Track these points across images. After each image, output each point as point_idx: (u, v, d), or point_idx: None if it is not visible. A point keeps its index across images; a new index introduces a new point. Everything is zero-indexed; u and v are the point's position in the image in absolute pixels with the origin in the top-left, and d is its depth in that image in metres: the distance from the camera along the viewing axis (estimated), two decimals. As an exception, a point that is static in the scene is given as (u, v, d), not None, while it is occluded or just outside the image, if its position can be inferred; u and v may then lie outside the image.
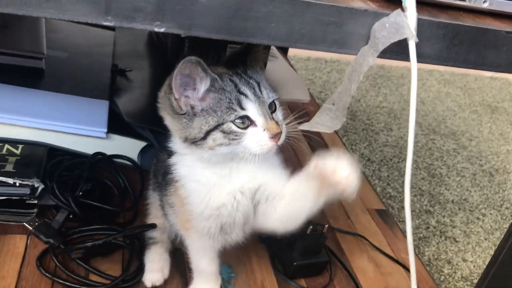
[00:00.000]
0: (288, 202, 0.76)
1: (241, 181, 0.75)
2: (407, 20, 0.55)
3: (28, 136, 1.03)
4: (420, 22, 0.56)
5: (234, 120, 0.68)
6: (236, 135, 0.69)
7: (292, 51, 2.56)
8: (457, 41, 0.59)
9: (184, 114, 0.70)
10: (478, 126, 2.35)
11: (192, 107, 0.70)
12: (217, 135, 0.69)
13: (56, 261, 0.89)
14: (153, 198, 0.98)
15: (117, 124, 1.09)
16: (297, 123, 0.73)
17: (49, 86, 1.11)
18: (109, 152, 1.08)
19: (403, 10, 0.55)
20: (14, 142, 1.02)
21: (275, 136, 0.69)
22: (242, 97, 0.69)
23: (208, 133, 0.69)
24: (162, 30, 0.51)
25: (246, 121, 0.69)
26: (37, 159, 1.00)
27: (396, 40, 0.55)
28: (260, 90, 0.71)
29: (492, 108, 2.57)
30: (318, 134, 1.52)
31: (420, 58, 0.59)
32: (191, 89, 0.69)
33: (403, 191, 1.79)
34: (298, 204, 0.75)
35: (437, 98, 2.55)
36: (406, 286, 1.03)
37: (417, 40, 0.56)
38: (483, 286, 0.85)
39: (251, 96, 0.70)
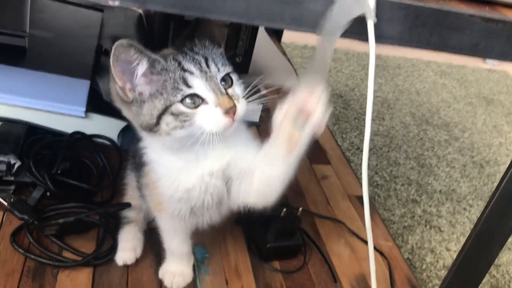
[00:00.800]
0: (262, 171, 0.74)
1: (208, 163, 0.74)
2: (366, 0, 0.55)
3: (7, 113, 1.03)
4: (380, 2, 0.56)
5: (182, 100, 0.66)
6: (187, 116, 0.66)
7: (288, 38, 2.55)
8: (419, 23, 0.58)
9: (133, 101, 0.68)
10: (472, 118, 2.34)
11: (140, 93, 0.67)
12: (168, 119, 0.66)
13: (30, 237, 0.89)
14: (130, 178, 0.98)
15: (98, 104, 1.09)
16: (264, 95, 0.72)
17: (31, 64, 1.10)
18: (89, 131, 1.09)
19: (362, -11, 0.55)
20: (-8, 119, 1.02)
21: (229, 111, 0.67)
22: (186, 74, 0.67)
23: (159, 117, 0.67)
24: (116, 3, 0.51)
25: (197, 100, 0.67)
26: (15, 137, 1.00)
27: (352, 17, 0.54)
28: (207, 64, 0.68)
29: (488, 100, 2.55)
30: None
31: (381, 39, 0.58)
32: (132, 74, 0.66)
33: (390, 180, 1.79)
34: (271, 170, 0.72)
35: (432, 89, 2.53)
36: (381, 272, 1.03)
37: (376, 20, 0.56)
38: (451, 273, 0.86)
39: (197, 72, 0.67)
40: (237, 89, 0.71)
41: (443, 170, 1.89)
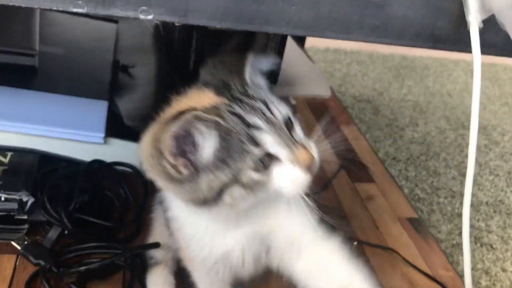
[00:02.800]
0: (306, 260, 0.62)
1: (248, 224, 0.62)
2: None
3: (17, 142, 0.93)
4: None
5: (254, 164, 0.52)
6: (260, 184, 0.53)
7: (309, 42, 2.43)
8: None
9: (186, 179, 0.53)
10: (510, 119, 2.20)
11: (195, 165, 0.53)
12: (235, 190, 0.53)
13: (47, 285, 0.78)
14: (157, 213, 0.86)
15: (117, 127, 0.98)
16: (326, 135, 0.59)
17: (42, 86, 1.01)
18: (108, 159, 0.98)
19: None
20: (1, 150, 0.91)
21: (309, 166, 0.53)
22: (253, 131, 0.52)
23: (222, 190, 0.53)
24: (150, 17, 0.39)
25: (267, 160, 0.53)
26: (27, 169, 0.90)
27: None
28: (270, 110, 0.54)
29: (524, 100, 2.41)
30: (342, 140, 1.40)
31: (483, 48, 0.46)
32: (190, 149, 0.53)
33: (432, 193, 1.65)
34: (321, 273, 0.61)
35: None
36: (446, 309, 0.91)
37: (482, 25, 0.43)
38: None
39: (264, 125, 0.53)
40: (298, 130, 0.57)
41: (487, 178, 1.75)
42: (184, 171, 0.52)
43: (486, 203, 1.63)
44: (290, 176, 0.53)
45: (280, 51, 1.30)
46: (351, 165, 1.25)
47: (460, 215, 1.53)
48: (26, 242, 0.83)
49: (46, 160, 0.94)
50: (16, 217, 0.85)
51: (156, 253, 0.84)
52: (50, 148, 0.94)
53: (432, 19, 0.43)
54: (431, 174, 1.72)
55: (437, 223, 1.50)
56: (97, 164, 0.96)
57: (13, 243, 0.83)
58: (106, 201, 0.95)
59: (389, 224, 1.08)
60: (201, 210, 0.56)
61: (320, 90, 1.38)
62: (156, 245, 0.82)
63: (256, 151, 0.52)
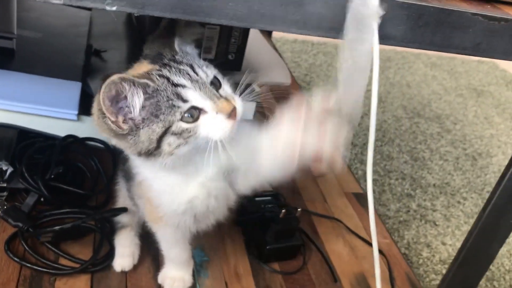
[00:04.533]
0: (267, 155, 0.70)
1: (208, 171, 0.72)
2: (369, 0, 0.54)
3: None
4: (382, 2, 0.55)
5: (181, 117, 0.63)
6: (190, 132, 0.63)
7: (278, 33, 2.53)
8: (422, 23, 0.57)
9: (128, 132, 0.63)
10: (463, 109, 2.34)
11: (133, 120, 0.63)
12: (170, 139, 0.63)
13: (25, 245, 0.88)
14: (121, 185, 0.95)
15: (89, 106, 1.06)
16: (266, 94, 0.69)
17: (20, 67, 1.08)
18: (82, 134, 1.07)
19: (365, -11, 0.54)
20: (-18, 124, 1.00)
21: (231, 114, 0.64)
22: (179, 89, 0.63)
23: (159, 140, 0.63)
24: (114, 8, 0.50)
25: (195, 112, 0.63)
26: (6, 142, 0.99)
27: (362, 19, 0.53)
28: (195, 72, 0.65)
29: (478, 92, 2.56)
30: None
31: (384, 40, 0.58)
32: (124, 104, 0.62)
33: (384, 175, 1.79)
34: (268, 160, 0.69)
35: (423, 81, 2.54)
36: (380, 270, 1.03)
37: (380, 21, 0.55)
38: (453, 268, 0.85)
39: (188, 83, 0.64)
40: (227, 88, 0.68)
41: (437, 163, 1.89)
42: (124, 127, 0.63)
43: (434, 185, 1.77)
44: (214, 123, 0.64)
45: (243, 39, 1.41)
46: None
47: (408, 195, 1.68)
48: (5, 207, 0.93)
49: (24, 134, 1.03)
50: (-4, 184, 0.94)
51: (122, 219, 0.94)
52: (28, 124, 1.02)
53: (342, 16, 0.54)
54: (385, 158, 1.85)
55: (387, 201, 1.63)
56: (71, 139, 1.05)
57: (-7, 207, 0.92)
58: (79, 172, 1.04)
59: (336, 198, 1.20)
60: (151, 162, 0.67)
61: (281, 77, 1.48)
62: (124, 209, 0.91)
63: (182, 105, 0.63)
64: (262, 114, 1.45)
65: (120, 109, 0.62)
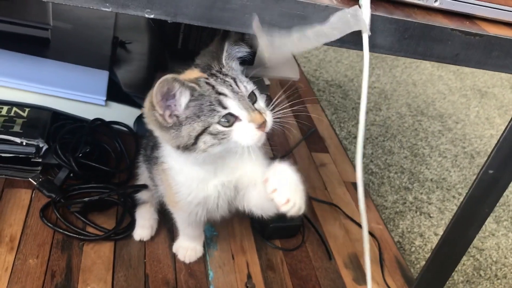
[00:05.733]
0: (259, 192, 0.83)
1: (223, 175, 0.83)
2: (362, 16, 0.64)
3: (34, 100, 1.13)
4: (374, 18, 0.65)
5: (219, 121, 0.73)
6: (224, 134, 0.73)
7: (290, 29, 2.62)
8: (407, 35, 0.68)
9: (172, 126, 0.74)
10: (466, 109, 2.43)
11: (177, 117, 0.74)
12: (206, 138, 0.73)
13: (57, 213, 1.00)
14: (142, 169, 1.06)
15: (115, 93, 1.19)
16: (285, 106, 0.80)
17: (54, 55, 1.20)
18: (107, 118, 1.19)
19: (360, 6, 0.64)
20: (21, 106, 1.11)
21: (261, 125, 0.74)
22: (221, 97, 0.73)
23: (197, 137, 0.73)
24: (152, 16, 0.61)
25: (231, 118, 0.73)
26: (42, 122, 1.10)
27: (350, 31, 0.64)
28: (237, 85, 0.75)
29: (482, 93, 2.65)
30: (307, 117, 1.61)
31: (375, 49, 0.68)
32: (173, 103, 0.73)
33: (384, 168, 1.89)
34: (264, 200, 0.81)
35: (429, 81, 2.62)
36: (371, 252, 1.14)
37: (369, 33, 0.65)
38: (436, 248, 0.96)
39: (230, 94, 0.74)
40: (261, 103, 0.78)
41: (435, 159, 1.99)
42: (169, 120, 0.74)
43: (431, 180, 1.87)
44: (246, 130, 0.74)
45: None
46: (311, 137, 1.48)
47: (406, 188, 1.78)
48: (40, 179, 1.05)
49: (57, 116, 1.14)
50: (33, 159, 1.06)
51: (143, 195, 1.06)
52: (61, 107, 1.14)
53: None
54: (386, 153, 1.96)
55: (385, 193, 1.74)
56: (98, 122, 1.17)
57: (30, 179, 1.04)
58: (105, 152, 1.16)
59: (335, 186, 1.31)
60: (185, 156, 0.77)
61: (290, 72, 1.58)
62: (145, 186, 1.03)
63: (221, 110, 0.73)
64: (282, 132, 1.55)
65: (168, 106, 0.73)
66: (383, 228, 1.23)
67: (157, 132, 0.78)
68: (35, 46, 1.20)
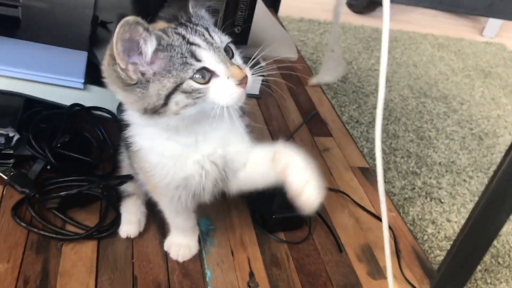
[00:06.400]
0: (250, 172, 0.76)
1: (208, 148, 0.72)
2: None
3: (3, 85, 1.01)
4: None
5: (193, 76, 0.62)
6: (200, 92, 0.63)
7: (284, 11, 2.51)
8: (434, -19, 0.56)
9: (136, 83, 0.63)
10: (470, 90, 2.33)
11: (143, 74, 0.63)
12: (179, 97, 0.63)
13: (31, 210, 0.88)
14: (124, 156, 0.95)
15: (95, 75, 1.06)
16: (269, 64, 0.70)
17: (26, 35, 1.08)
18: (87, 103, 1.07)
19: None
20: (-11, 92, 1.00)
21: (242, 81, 0.64)
22: (194, 47, 0.63)
23: (168, 97, 0.63)
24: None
25: (206, 74, 0.63)
26: (13, 109, 0.99)
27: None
28: (210, 35, 0.65)
29: (486, 73, 2.54)
30: (308, 101, 1.50)
31: (395, -1, 0.57)
32: (136, 54, 0.62)
33: (390, 153, 1.78)
34: (257, 177, 0.76)
35: (430, 62, 2.52)
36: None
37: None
38: (460, 238, 0.85)
39: (204, 44, 0.64)
40: (238, 59, 0.68)
41: (443, 142, 1.89)
42: (133, 76, 0.62)
43: (440, 163, 1.76)
44: (225, 87, 0.64)
45: (250, 13, 1.40)
46: (313, 121, 1.37)
47: (413, 173, 1.67)
48: (12, 173, 0.93)
49: (31, 103, 1.02)
50: (3, 151, 0.94)
51: (128, 187, 0.94)
52: (34, 92, 1.02)
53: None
54: (391, 137, 1.85)
55: (392, 179, 1.63)
56: (77, 108, 1.05)
57: (0, 173, 0.93)
58: (85, 141, 1.04)
59: (341, 172, 1.20)
60: (154, 122, 0.66)
61: (287, 52, 1.47)
62: (129, 177, 0.92)
63: (195, 63, 0.62)
64: (269, 89, 1.44)
65: (132, 63, 0.62)
66: (396, 215, 1.12)
67: (120, 94, 0.66)
68: (3, 26, 1.08)
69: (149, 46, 0.61)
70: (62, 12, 1.21)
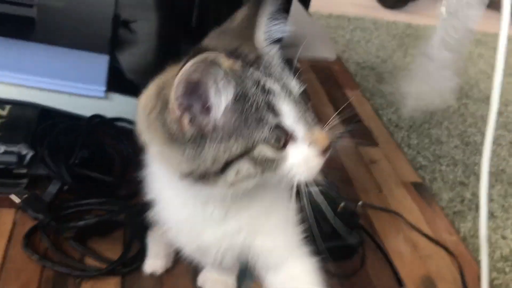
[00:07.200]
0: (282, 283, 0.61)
1: (233, 226, 0.57)
2: None
3: (16, 95, 0.91)
4: None
5: (266, 138, 0.47)
6: (272, 162, 0.48)
7: (312, 7, 2.38)
8: None
9: (190, 139, 0.47)
10: (514, 90, 2.18)
11: (201, 127, 0.47)
12: (243, 166, 0.47)
13: (47, 240, 0.77)
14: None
15: (118, 82, 0.97)
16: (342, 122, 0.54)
17: (41, 37, 0.99)
18: (109, 114, 0.97)
19: None
20: (0, 102, 0.89)
21: (325, 150, 0.49)
22: (270, 97, 0.47)
23: (228, 164, 0.47)
24: None
25: (281, 136, 0.47)
26: (27, 122, 0.89)
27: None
28: (287, 80, 0.50)
29: (529, 71, 2.38)
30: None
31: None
32: (199, 102, 0.47)
33: (434, 161, 1.64)
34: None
35: (468, 59, 2.37)
36: (448, 271, 0.90)
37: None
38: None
39: (282, 93, 0.48)
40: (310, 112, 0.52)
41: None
42: (188, 128, 0.47)
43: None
44: (305, 157, 0.49)
45: (285, 11, 1.27)
46: (356, 129, 1.24)
47: (462, 183, 1.53)
48: (25, 196, 0.82)
49: (47, 114, 0.93)
50: (15, 170, 0.84)
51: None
52: (50, 102, 0.92)
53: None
54: (434, 142, 1.70)
55: (438, 190, 1.49)
56: (98, 119, 0.95)
57: (12, 196, 0.82)
58: (107, 157, 0.93)
59: (392, 188, 1.08)
60: (193, 188, 0.51)
61: (325, 52, 1.35)
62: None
63: (272, 119, 0.47)
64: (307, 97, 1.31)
65: (192, 108, 0.47)
66: (457, 239, 1.00)
67: (158, 148, 0.51)
68: (17, 27, 0.99)
69: (223, 98, 0.46)
70: (80, 11, 1.11)
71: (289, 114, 0.48)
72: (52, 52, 0.95)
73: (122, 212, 0.80)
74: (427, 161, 1.60)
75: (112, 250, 0.79)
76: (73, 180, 0.83)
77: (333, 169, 0.63)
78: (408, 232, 0.97)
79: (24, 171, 0.84)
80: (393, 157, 1.17)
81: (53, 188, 0.83)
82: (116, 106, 0.96)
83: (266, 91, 0.47)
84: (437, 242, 0.96)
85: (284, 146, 0.48)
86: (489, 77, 2.23)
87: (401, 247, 0.93)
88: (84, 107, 0.93)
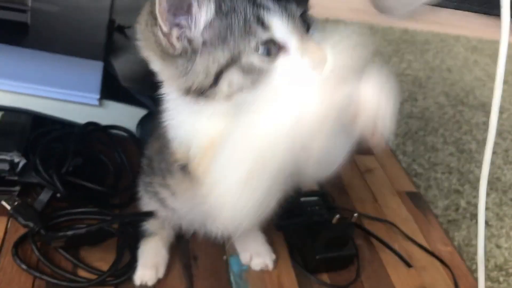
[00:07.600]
0: None
1: None
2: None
3: (9, 101, 0.90)
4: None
5: (257, 47, 0.48)
6: (261, 73, 0.48)
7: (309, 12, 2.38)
8: None
9: (180, 54, 0.49)
10: (510, 97, 2.18)
11: (190, 41, 0.49)
12: (233, 76, 0.48)
13: (36, 249, 0.76)
14: (142, 189, 0.82)
15: (113, 89, 0.96)
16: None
17: (34, 43, 0.97)
18: (103, 121, 0.96)
19: None
20: (-8, 109, 0.88)
21: (320, 64, 0.48)
22: (262, 11, 0.48)
23: (219, 75, 0.49)
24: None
25: (273, 48, 0.48)
26: (19, 129, 0.88)
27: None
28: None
29: (524, 78, 2.39)
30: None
31: None
32: (185, 14, 0.49)
33: (429, 168, 1.64)
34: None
35: (464, 66, 2.37)
36: (443, 284, 0.90)
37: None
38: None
39: (275, 8, 0.49)
40: (314, 35, 0.52)
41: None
42: (177, 44, 0.49)
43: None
44: (296, 69, 0.49)
45: None
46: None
47: (457, 192, 1.53)
48: (16, 203, 0.81)
49: (39, 121, 0.92)
50: (7, 178, 0.82)
51: (150, 225, 0.81)
52: (43, 109, 0.91)
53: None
54: (429, 150, 1.70)
55: (433, 198, 1.48)
56: (92, 127, 0.94)
57: (3, 202, 0.80)
58: (100, 165, 0.92)
59: (387, 197, 1.07)
60: (199, 108, 0.51)
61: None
62: (149, 214, 0.79)
63: (261, 32, 0.48)
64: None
65: (177, 24, 0.49)
66: (452, 250, 0.99)
67: (156, 64, 0.53)
68: (10, 32, 0.97)
69: (203, 13, 0.48)
70: (74, 16, 1.09)
71: (281, 28, 0.48)
72: (45, 58, 0.94)
73: (114, 221, 0.79)
74: (422, 169, 1.60)
75: (105, 259, 0.77)
76: (66, 188, 0.82)
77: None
78: (403, 242, 0.97)
79: (15, 178, 0.83)
80: (388, 165, 1.17)
81: (44, 197, 0.82)
82: (110, 113, 0.95)
83: (257, 5, 0.48)
84: (431, 253, 0.95)
85: (275, 57, 0.49)
86: (485, 84, 2.24)
87: (396, 258, 0.93)
88: (77, 115, 0.92)
